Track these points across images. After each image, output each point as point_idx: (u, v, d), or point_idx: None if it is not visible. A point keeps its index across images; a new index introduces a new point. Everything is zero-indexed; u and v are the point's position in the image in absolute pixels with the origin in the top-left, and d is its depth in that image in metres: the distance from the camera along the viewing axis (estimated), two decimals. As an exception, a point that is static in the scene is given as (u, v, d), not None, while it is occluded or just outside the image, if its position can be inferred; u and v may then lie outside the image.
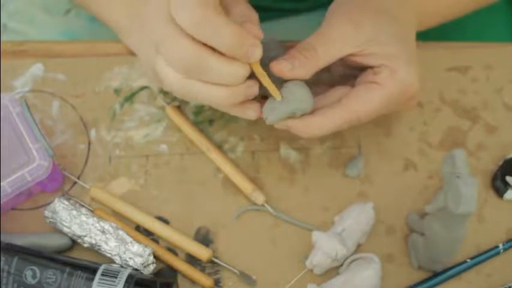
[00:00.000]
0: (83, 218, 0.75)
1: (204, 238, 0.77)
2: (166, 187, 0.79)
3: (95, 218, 0.75)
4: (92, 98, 0.82)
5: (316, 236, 0.74)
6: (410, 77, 0.71)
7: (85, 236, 0.74)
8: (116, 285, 0.70)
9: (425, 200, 0.78)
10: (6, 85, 0.82)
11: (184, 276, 0.76)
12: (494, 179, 0.79)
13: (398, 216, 0.78)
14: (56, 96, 0.82)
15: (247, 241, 0.77)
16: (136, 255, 0.73)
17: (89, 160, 0.80)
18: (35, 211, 0.78)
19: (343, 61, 0.72)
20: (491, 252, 0.77)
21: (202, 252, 0.76)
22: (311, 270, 0.75)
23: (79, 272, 0.71)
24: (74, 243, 0.76)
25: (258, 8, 0.70)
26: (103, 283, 0.70)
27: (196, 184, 0.79)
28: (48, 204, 0.76)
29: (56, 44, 0.86)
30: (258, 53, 0.65)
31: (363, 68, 0.73)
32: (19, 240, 0.74)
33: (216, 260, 0.76)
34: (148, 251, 0.73)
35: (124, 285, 0.70)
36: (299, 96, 0.69)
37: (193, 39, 0.63)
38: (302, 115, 0.70)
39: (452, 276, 0.76)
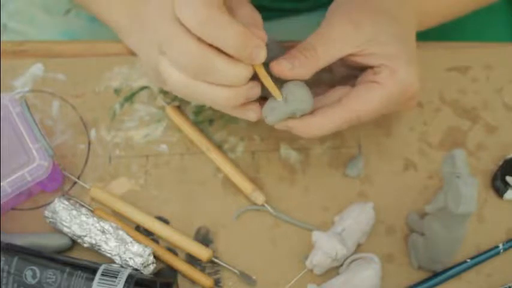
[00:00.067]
0: (83, 218, 0.75)
1: (204, 238, 0.77)
2: (166, 187, 0.79)
3: (95, 218, 0.75)
4: (92, 98, 0.82)
5: (316, 236, 0.74)
6: (411, 77, 0.71)
7: (85, 236, 0.74)
8: (116, 285, 0.70)
9: (425, 200, 0.78)
10: (6, 85, 0.82)
11: (184, 276, 0.76)
12: (494, 179, 0.79)
13: (398, 216, 0.78)
14: (56, 96, 0.82)
15: (247, 241, 0.77)
16: (136, 255, 0.73)
17: (89, 160, 0.80)
18: (35, 211, 0.78)
19: (343, 61, 0.72)
20: (491, 252, 0.77)
21: (202, 252, 0.76)
22: (311, 270, 0.75)
23: (79, 272, 0.71)
24: (74, 243, 0.76)
25: (258, 7, 0.70)
26: (103, 283, 0.70)
27: (196, 184, 0.79)
28: (48, 204, 0.76)
29: (56, 44, 0.86)
30: (262, 54, 0.65)
31: (363, 68, 0.73)
32: (19, 240, 0.74)
33: (216, 260, 0.76)
34: (148, 251, 0.73)
35: (124, 285, 0.70)
36: (299, 97, 0.69)
37: (199, 39, 0.64)
38: (302, 115, 0.70)
39: (452, 276, 0.76)
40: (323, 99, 0.73)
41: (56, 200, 0.75)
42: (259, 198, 0.78)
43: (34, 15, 0.98)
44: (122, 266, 0.73)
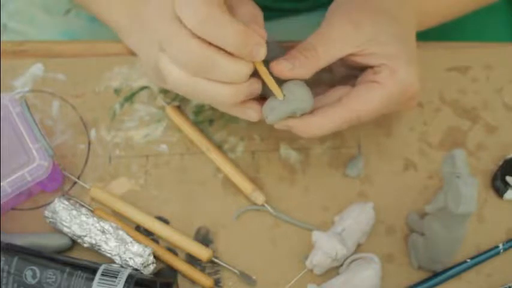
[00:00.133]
0: (83, 218, 0.75)
1: (204, 238, 0.77)
2: (166, 187, 0.79)
3: (95, 218, 0.75)
4: (92, 98, 0.82)
5: (316, 236, 0.74)
6: (411, 77, 0.71)
7: (85, 236, 0.74)
8: (116, 285, 0.70)
9: (425, 200, 0.78)
10: (6, 85, 0.82)
11: (184, 276, 0.76)
12: (494, 179, 0.79)
13: (398, 216, 0.78)
14: (56, 96, 0.82)
15: (247, 241, 0.77)
16: (136, 255, 0.73)
17: (89, 160, 0.80)
18: (35, 211, 0.78)
19: (343, 61, 0.72)
20: (491, 252, 0.77)
21: (202, 252, 0.76)
22: (311, 270, 0.75)
23: (79, 272, 0.71)
24: (74, 243, 0.76)
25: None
26: (103, 283, 0.70)
27: (196, 184, 0.79)
28: (48, 204, 0.76)
29: (56, 44, 0.86)
30: (262, 52, 0.65)
31: (363, 68, 0.73)
32: (19, 240, 0.74)
33: (216, 260, 0.76)
34: (148, 251, 0.73)
35: (124, 285, 0.70)
36: (299, 96, 0.69)
37: (199, 37, 0.64)
38: (302, 115, 0.70)
39: (452, 276, 0.76)
40: (323, 99, 0.73)
41: (56, 200, 0.75)
42: (259, 198, 0.78)
43: (34, 15, 0.98)
44: (122, 266, 0.73)
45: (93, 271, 0.71)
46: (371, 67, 0.72)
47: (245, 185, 0.78)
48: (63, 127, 0.81)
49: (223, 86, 0.66)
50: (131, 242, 0.74)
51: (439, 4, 0.81)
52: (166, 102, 0.82)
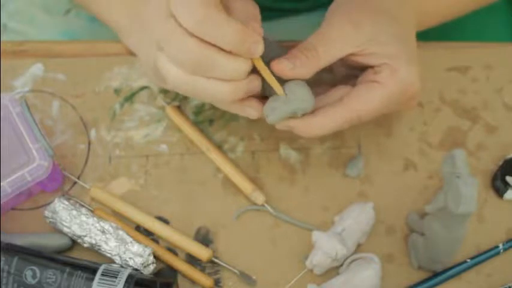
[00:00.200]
0: (83, 218, 0.75)
1: (204, 238, 0.77)
2: (166, 187, 0.79)
3: (95, 218, 0.75)
4: (92, 98, 0.82)
5: (316, 236, 0.74)
6: (411, 77, 0.71)
7: (85, 236, 0.74)
8: (116, 285, 0.70)
9: (425, 200, 0.78)
10: (6, 85, 0.82)
11: (184, 276, 0.76)
12: (494, 179, 0.79)
13: (398, 216, 0.78)
14: (56, 96, 0.82)
15: (247, 241, 0.77)
16: (136, 255, 0.73)
17: (89, 160, 0.80)
18: (35, 211, 0.78)
19: (343, 61, 0.72)
20: (491, 252, 0.77)
21: (202, 252, 0.76)
22: (311, 270, 0.75)
23: (79, 272, 0.70)
24: (74, 243, 0.76)
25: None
26: (103, 283, 0.70)
27: (196, 184, 0.79)
28: (48, 204, 0.76)
29: (56, 44, 0.86)
30: (260, 48, 0.65)
31: (363, 68, 0.73)
32: (19, 240, 0.74)
33: (216, 260, 0.76)
34: (148, 251, 0.73)
35: (124, 285, 0.70)
36: (300, 96, 0.69)
37: (197, 36, 0.64)
38: (303, 115, 0.70)
39: (452, 276, 0.76)
40: (324, 98, 0.73)
41: (56, 200, 0.75)
42: (259, 198, 0.78)
43: (34, 15, 0.98)
44: (122, 266, 0.73)
45: (93, 271, 0.71)
46: (371, 67, 0.72)
47: (245, 185, 0.78)
48: (63, 127, 0.81)
49: (222, 83, 0.66)
50: (131, 242, 0.74)
51: (439, 4, 0.81)
52: (166, 102, 0.82)
